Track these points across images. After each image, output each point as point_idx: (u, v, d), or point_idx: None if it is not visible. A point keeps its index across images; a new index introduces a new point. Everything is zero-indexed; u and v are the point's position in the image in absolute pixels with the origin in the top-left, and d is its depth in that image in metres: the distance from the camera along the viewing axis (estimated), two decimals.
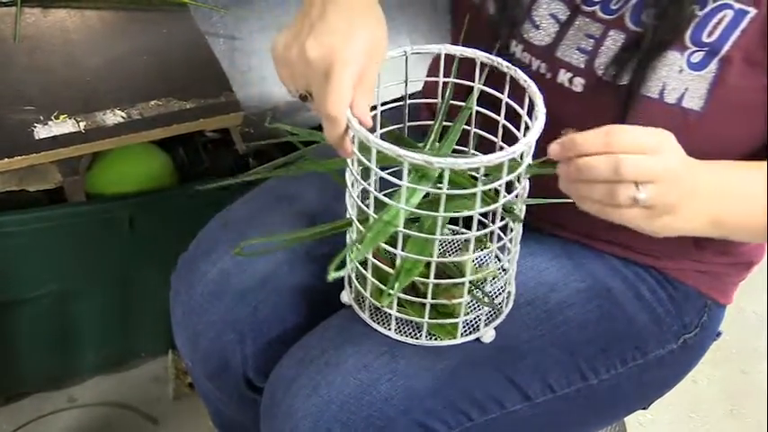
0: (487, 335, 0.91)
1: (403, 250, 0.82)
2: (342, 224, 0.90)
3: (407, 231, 0.81)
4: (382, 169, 0.79)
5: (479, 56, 0.86)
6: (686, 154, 0.77)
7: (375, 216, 0.82)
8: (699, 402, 1.70)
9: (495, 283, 0.92)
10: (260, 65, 1.49)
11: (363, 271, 0.87)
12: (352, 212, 0.86)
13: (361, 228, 0.84)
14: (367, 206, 0.83)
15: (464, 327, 0.90)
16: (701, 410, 1.69)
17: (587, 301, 0.97)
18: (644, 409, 1.10)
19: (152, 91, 1.29)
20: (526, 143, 0.76)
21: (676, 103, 0.86)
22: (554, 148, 0.75)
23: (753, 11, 0.83)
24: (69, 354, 1.52)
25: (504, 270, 0.91)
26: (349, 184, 0.86)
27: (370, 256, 0.84)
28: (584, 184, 0.75)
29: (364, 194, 0.87)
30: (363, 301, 0.91)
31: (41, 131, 1.21)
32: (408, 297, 0.86)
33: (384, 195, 0.81)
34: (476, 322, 0.91)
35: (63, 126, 1.22)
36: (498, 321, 0.91)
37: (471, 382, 0.91)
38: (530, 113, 0.82)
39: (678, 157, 0.75)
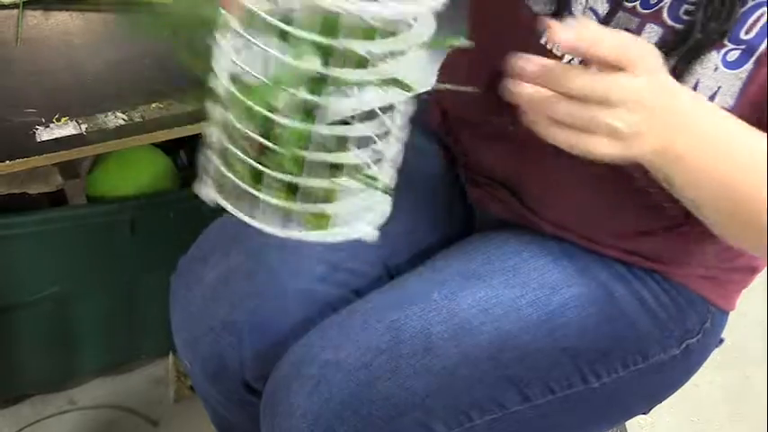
0: (370, 234, 0.78)
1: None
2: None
3: (308, 96, 0.69)
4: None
5: None
6: None
7: (265, 80, 0.69)
8: (700, 406, 1.70)
9: (381, 171, 0.78)
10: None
11: (233, 149, 0.73)
12: (225, 84, 0.72)
13: (240, 95, 0.70)
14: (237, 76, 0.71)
15: (342, 223, 0.77)
16: (702, 414, 1.69)
17: (589, 304, 0.96)
18: (644, 413, 1.10)
19: (154, 93, 1.29)
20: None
21: (708, 101, 0.84)
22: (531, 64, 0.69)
23: None
24: (70, 356, 1.52)
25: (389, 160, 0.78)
26: (230, 49, 0.71)
27: (249, 131, 0.70)
28: (563, 102, 0.69)
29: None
30: (224, 186, 0.76)
31: (43, 134, 1.21)
32: (281, 175, 0.72)
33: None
34: (354, 218, 0.78)
35: (64, 128, 1.22)
36: (381, 221, 0.79)
37: (471, 382, 0.91)
38: None
39: (654, 79, 0.70)
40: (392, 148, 0.77)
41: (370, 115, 0.73)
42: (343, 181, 0.75)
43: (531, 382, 0.93)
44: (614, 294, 0.98)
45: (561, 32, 0.67)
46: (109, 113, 1.25)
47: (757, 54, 0.82)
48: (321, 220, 0.77)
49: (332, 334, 0.93)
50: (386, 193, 0.78)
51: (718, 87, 0.84)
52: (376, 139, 0.75)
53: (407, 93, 0.72)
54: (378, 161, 0.77)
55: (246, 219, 0.75)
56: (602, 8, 0.89)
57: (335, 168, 0.74)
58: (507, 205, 1.04)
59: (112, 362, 1.59)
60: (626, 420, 1.12)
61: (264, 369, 0.98)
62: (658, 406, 1.10)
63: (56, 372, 1.54)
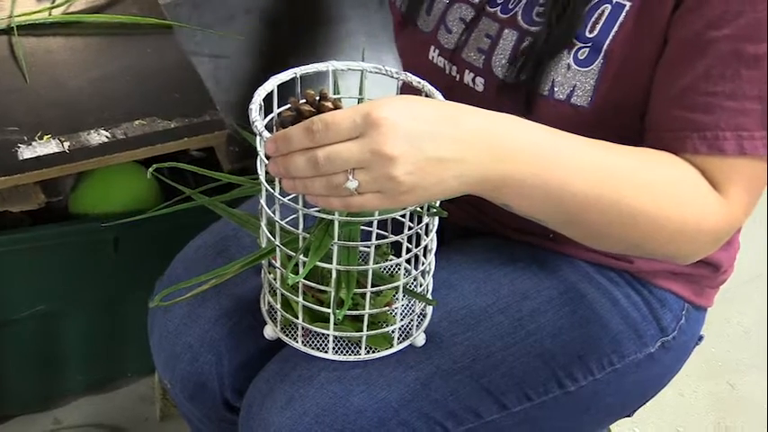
0: (419, 339, 0.91)
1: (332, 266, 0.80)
2: (265, 253, 0.86)
3: (345, 243, 0.80)
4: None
5: (365, 67, 0.84)
6: None
7: (305, 234, 0.80)
8: (685, 415, 1.70)
9: (425, 283, 0.90)
10: (244, 83, 1.49)
11: (293, 297, 0.85)
12: (274, 239, 0.83)
13: (288, 251, 0.82)
14: (286, 230, 0.82)
15: (399, 334, 0.89)
16: (687, 423, 1.69)
17: (560, 308, 0.97)
18: (628, 416, 1.10)
19: (136, 110, 1.29)
20: None
21: (566, 100, 0.87)
22: (269, 147, 0.73)
23: (628, 4, 0.85)
24: (55, 375, 1.52)
25: (425, 272, 0.89)
26: (273, 212, 0.83)
27: (302, 280, 0.81)
28: (299, 180, 0.72)
29: (270, 220, 0.84)
30: (294, 330, 0.90)
31: (25, 152, 1.21)
32: (351, 312, 0.83)
33: (287, 222, 0.81)
34: (408, 328, 0.91)
35: (47, 146, 1.22)
36: (426, 324, 0.91)
37: (445, 393, 0.91)
38: None
39: (394, 136, 0.69)
40: (431, 260, 0.88)
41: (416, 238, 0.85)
42: (400, 303, 0.87)
43: (507, 390, 0.93)
44: (586, 296, 0.98)
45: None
46: (91, 131, 1.25)
47: (603, 50, 0.85)
48: (385, 340, 0.89)
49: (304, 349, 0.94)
50: (431, 303, 0.89)
51: (574, 86, 0.87)
52: (421, 256, 0.86)
53: (439, 215, 0.84)
54: (424, 274, 0.89)
55: (318, 353, 0.89)
56: (470, 16, 0.94)
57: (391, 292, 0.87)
58: (472, 215, 1.05)
59: (97, 380, 1.59)
60: (609, 424, 1.12)
61: (243, 386, 0.99)
62: (643, 415, 1.10)
63: (40, 391, 1.54)
